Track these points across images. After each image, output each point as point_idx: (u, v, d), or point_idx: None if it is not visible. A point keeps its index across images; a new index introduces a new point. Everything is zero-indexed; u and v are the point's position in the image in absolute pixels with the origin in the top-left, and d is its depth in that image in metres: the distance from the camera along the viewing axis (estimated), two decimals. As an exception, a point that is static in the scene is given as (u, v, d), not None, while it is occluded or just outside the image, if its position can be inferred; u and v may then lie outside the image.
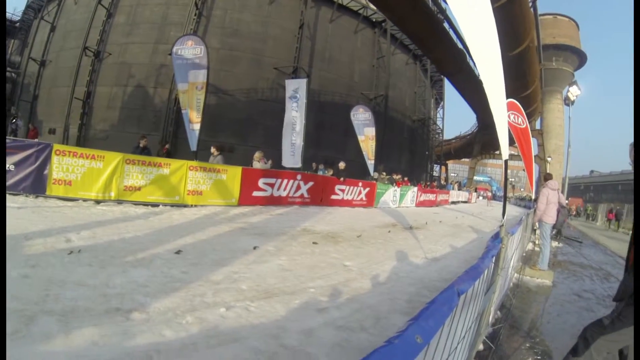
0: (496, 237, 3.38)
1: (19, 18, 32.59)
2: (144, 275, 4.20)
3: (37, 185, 8.04)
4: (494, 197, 58.16)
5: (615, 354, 2.72)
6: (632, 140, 2.68)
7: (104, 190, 8.68)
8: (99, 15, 23.31)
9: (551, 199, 7.96)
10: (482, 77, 2.99)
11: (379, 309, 4.20)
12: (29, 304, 3.14)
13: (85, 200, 8.43)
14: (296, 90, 14.61)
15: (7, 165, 7.76)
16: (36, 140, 11.19)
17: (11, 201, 7.32)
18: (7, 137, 9.82)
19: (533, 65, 31.65)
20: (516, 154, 11.86)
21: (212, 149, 11.66)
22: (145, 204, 9.15)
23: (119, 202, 8.86)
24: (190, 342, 2.91)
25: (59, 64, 24.30)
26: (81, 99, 22.47)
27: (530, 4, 26.51)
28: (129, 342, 2.79)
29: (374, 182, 17.86)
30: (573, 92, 20.78)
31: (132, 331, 2.94)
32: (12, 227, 5.25)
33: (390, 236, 9.52)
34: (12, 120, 16.86)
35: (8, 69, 28.00)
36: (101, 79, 22.93)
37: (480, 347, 3.59)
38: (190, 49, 11.05)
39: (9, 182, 7.74)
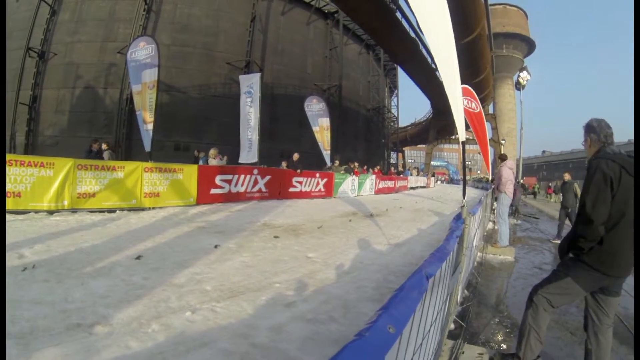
0: (458, 218, 3.47)
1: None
2: (104, 286, 4.07)
3: (-17, 199, 7.57)
4: (452, 181, 59.97)
5: (557, 306, 3.03)
6: (581, 122, 2.98)
7: (57, 200, 8.28)
8: (42, 13, 22.24)
9: (509, 177, 8.30)
10: (437, 63, 3.06)
11: (347, 298, 4.23)
12: (-18, 329, 2.99)
13: (37, 211, 8.01)
14: (250, 86, 14.49)
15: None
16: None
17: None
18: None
19: (484, 52, 32.44)
20: (471, 137, 12.18)
21: (103, 145, 11.79)
22: (102, 211, 8.86)
23: (74, 210, 8.50)
24: (158, 352, 2.83)
25: (1, 66, 23.12)
26: (27, 103, 21.45)
27: (482, -6, 27.14)
28: (94, 359, 2.70)
29: (331, 172, 17.98)
30: (523, 77, 21.60)
31: (96, 347, 2.84)
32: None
33: (351, 225, 9.62)
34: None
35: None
36: (47, 81, 21.93)
37: (452, 326, 3.68)
38: (142, 50, 10.87)
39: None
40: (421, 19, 2.89)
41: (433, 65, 27.55)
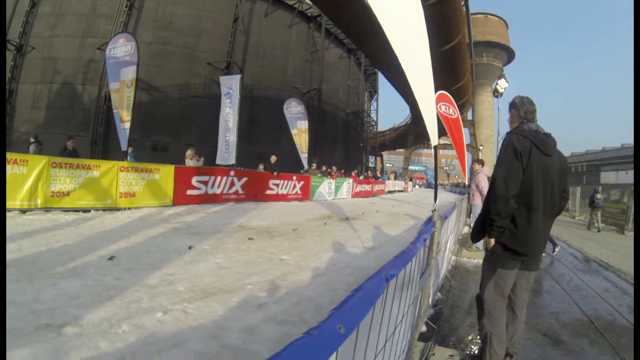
0: (429, 222, 3.50)
1: None
2: (75, 286, 4.06)
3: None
4: (430, 185, 60.76)
5: (506, 295, 3.07)
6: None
7: (29, 198, 8.17)
8: (21, 5, 21.59)
9: (486, 184, 8.45)
10: (404, 68, 3.05)
11: (319, 300, 4.27)
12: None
13: (9, 210, 7.87)
14: (230, 87, 14.53)
15: None
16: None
17: None
18: None
19: (464, 60, 32.87)
20: (449, 143, 12.28)
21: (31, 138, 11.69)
22: (76, 210, 8.77)
23: (47, 209, 8.40)
24: (128, 352, 2.84)
25: (-24, 59, 22.50)
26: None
27: (463, 3, 27.50)
28: (62, 360, 2.69)
29: (308, 175, 18.09)
30: (502, 84, 21.95)
31: (65, 347, 2.83)
32: None
33: (326, 228, 9.72)
34: None
35: None
36: (24, 75, 21.32)
37: (423, 328, 3.75)
38: (121, 47, 10.82)
39: None
40: (388, 29, 2.87)
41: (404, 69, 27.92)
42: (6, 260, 4.71)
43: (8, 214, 7.77)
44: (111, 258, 5.25)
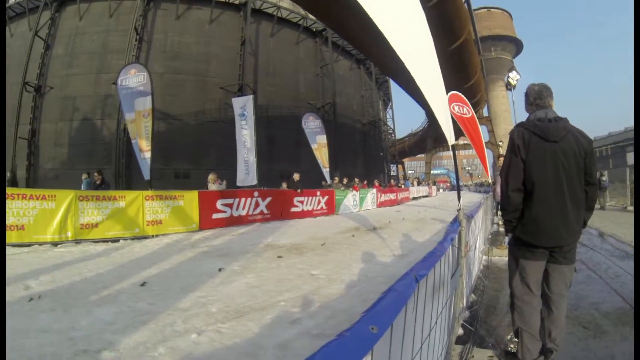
0: (455, 222, 3.46)
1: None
2: (110, 313, 4.09)
3: (-13, 233, 7.60)
4: (453, 188, 60.29)
5: (535, 289, 2.96)
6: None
7: (60, 231, 8.36)
8: (36, 48, 22.54)
9: None
10: (412, 73, 3.04)
11: (353, 311, 4.19)
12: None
13: (41, 244, 8.08)
14: (243, 108, 14.68)
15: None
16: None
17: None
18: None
19: (473, 57, 32.64)
20: (469, 142, 12.14)
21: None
22: (105, 241, 8.90)
23: (77, 241, 8.56)
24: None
25: (-1, 101, 23.17)
26: (26, 138, 21.64)
27: (464, 0, 27.43)
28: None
29: (332, 189, 18.03)
30: (513, 77, 21.67)
31: (103, 371, 2.83)
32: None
33: (354, 240, 9.61)
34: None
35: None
36: (45, 115, 22.14)
37: (460, 331, 3.64)
38: (133, 78, 10.98)
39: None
40: (391, 37, 2.87)
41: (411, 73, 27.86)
42: (29, 291, 4.83)
43: (40, 248, 7.95)
44: (143, 284, 5.28)
